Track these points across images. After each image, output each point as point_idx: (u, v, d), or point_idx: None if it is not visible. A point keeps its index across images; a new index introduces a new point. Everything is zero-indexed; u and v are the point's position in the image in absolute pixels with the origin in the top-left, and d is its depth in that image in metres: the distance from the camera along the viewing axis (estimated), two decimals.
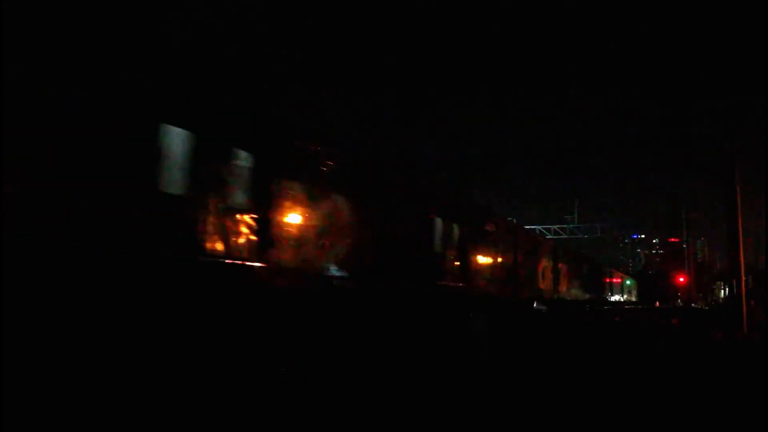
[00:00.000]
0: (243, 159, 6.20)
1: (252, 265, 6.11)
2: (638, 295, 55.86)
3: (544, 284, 20.04)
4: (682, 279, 59.55)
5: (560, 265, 22.37)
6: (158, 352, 4.94)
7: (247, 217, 6.16)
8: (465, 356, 8.57)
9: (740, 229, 19.04)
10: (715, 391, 6.91)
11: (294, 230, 6.86)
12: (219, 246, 5.79)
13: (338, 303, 7.48)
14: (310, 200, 7.16)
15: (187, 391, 5.01)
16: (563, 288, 22.90)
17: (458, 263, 11.32)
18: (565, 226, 61.63)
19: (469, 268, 11.84)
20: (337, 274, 7.53)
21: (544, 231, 63.64)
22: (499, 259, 14.33)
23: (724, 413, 5.62)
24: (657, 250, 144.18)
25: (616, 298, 36.68)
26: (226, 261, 5.85)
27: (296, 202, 6.97)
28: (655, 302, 57.53)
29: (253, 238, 6.18)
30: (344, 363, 6.93)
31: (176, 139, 5.44)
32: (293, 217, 6.87)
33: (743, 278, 19.27)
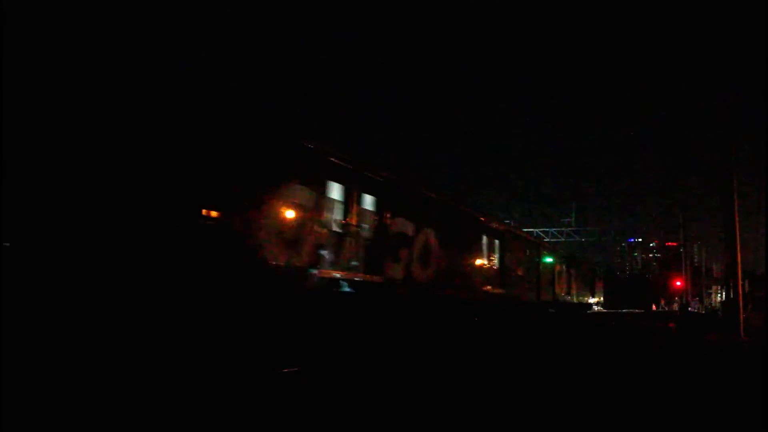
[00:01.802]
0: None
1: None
2: (604, 297, 38.54)
3: None
4: (679, 283, 59.61)
5: None
6: None
7: None
8: None
9: (738, 233, 19.06)
10: (714, 395, 6.87)
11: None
12: None
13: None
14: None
15: None
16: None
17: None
18: (563, 229, 61.71)
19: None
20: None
21: (541, 234, 63.69)
22: None
23: (723, 419, 5.58)
24: (654, 253, 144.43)
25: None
26: None
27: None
28: (652, 307, 57.23)
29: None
30: None
31: None
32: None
33: (740, 282, 19.27)
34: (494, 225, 17.41)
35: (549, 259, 22.93)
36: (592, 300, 33.81)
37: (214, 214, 6.59)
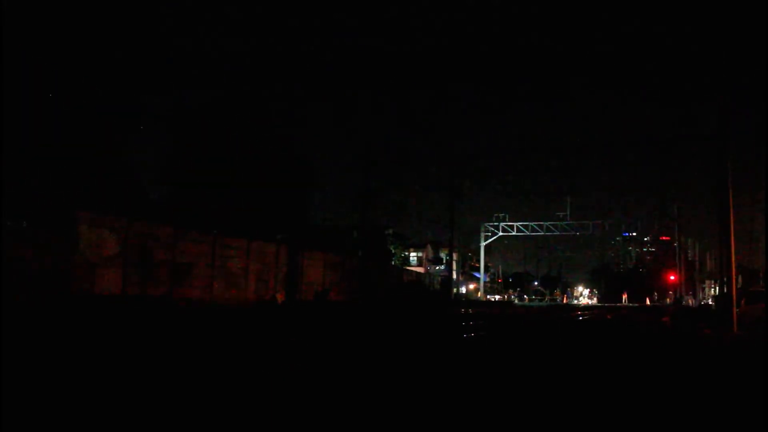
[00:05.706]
0: None
1: None
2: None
3: None
4: (672, 277, 59.94)
5: None
6: None
7: None
8: None
9: (732, 228, 19.16)
10: (710, 390, 6.93)
11: None
12: None
13: None
14: None
15: None
16: None
17: None
18: (557, 222, 61.77)
19: None
20: None
21: (536, 227, 63.63)
22: None
23: (719, 415, 5.63)
24: (648, 248, 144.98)
25: None
26: None
27: None
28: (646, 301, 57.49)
29: None
30: None
31: None
32: None
33: (734, 277, 19.39)
34: None
35: None
36: None
37: None
